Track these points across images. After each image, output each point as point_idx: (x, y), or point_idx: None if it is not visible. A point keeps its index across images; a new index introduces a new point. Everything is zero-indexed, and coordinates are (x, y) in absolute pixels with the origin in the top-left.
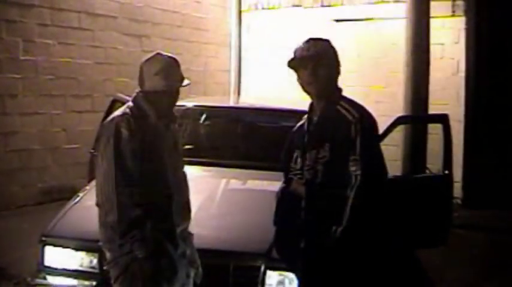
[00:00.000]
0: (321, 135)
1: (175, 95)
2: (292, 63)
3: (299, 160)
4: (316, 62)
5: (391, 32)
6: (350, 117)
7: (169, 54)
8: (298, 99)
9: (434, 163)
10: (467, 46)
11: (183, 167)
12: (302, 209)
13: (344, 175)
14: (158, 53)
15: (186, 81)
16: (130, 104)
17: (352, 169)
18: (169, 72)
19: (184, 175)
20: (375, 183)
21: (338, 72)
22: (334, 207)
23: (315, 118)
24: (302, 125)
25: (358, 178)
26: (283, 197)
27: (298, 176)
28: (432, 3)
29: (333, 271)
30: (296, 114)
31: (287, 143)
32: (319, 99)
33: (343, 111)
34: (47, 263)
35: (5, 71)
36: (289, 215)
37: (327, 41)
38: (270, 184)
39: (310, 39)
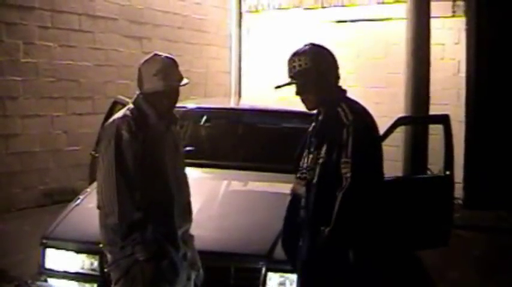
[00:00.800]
0: (322, 136)
1: (174, 95)
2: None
3: (305, 159)
4: (302, 86)
5: (391, 33)
6: (344, 120)
7: (167, 55)
8: (299, 101)
9: (435, 163)
10: (467, 46)
11: (184, 169)
12: (301, 209)
13: (337, 176)
14: (156, 54)
15: (185, 81)
16: (131, 106)
17: (344, 171)
18: (168, 72)
19: (185, 177)
20: (364, 185)
21: (337, 77)
22: (327, 208)
23: (320, 119)
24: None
25: (348, 180)
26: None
27: (303, 175)
28: (432, 4)
29: (323, 270)
30: (297, 115)
31: (301, 142)
32: (320, 107)
33: (341, 113)
34: (47, 265)
35: (6, 74)
36: (293, 214)
37: (315, 49)
38: (271, 186)
39: (295, 54)
